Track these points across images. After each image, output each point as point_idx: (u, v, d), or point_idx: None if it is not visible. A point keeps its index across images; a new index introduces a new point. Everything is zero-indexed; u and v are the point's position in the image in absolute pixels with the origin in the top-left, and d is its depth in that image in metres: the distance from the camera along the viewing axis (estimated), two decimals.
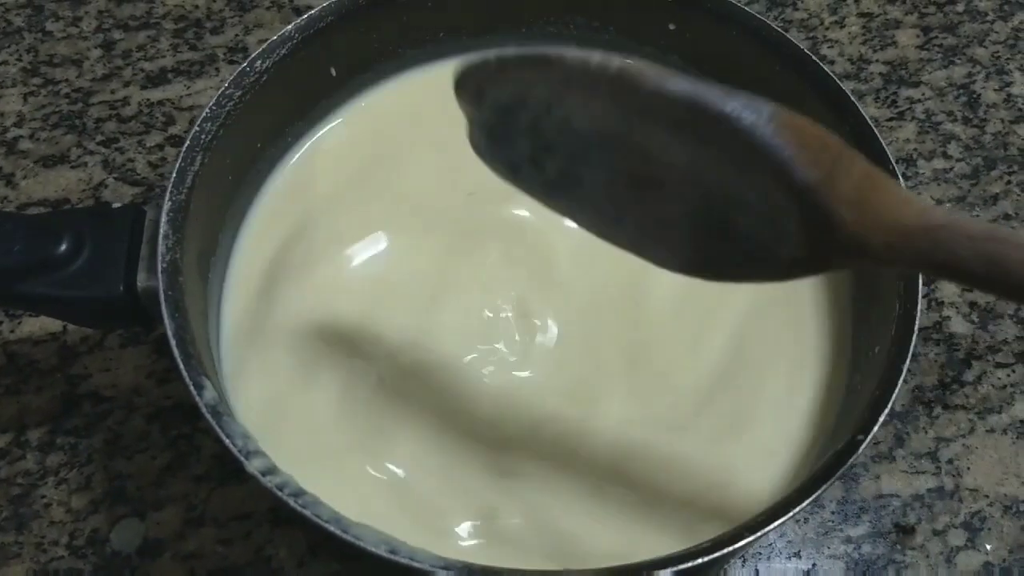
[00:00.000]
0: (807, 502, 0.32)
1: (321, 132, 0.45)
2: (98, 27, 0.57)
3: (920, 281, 0.36)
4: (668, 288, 0.41)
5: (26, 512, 0.41)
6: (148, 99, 0.54)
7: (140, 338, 0.46)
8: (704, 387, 0.39)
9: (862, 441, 0.33)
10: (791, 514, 0.31)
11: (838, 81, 0.41)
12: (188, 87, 0.54)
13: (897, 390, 0.33)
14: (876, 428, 0.33)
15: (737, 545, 0.31)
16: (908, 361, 0.34)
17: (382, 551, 0.29)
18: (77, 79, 0.55)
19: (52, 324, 0.46)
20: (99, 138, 0.52)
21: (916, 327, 0.35)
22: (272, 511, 0.41)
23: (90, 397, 0.44)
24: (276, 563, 0.40)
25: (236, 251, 0.41)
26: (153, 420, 0.43)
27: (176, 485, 0.42)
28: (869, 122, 0.40)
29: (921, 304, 0.35)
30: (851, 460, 0.32)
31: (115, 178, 0.51)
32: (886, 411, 0.33)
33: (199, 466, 0.42)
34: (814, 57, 0.42)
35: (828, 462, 0.33)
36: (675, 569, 0.30)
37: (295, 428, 0.38)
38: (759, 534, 0.31)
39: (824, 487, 0.32)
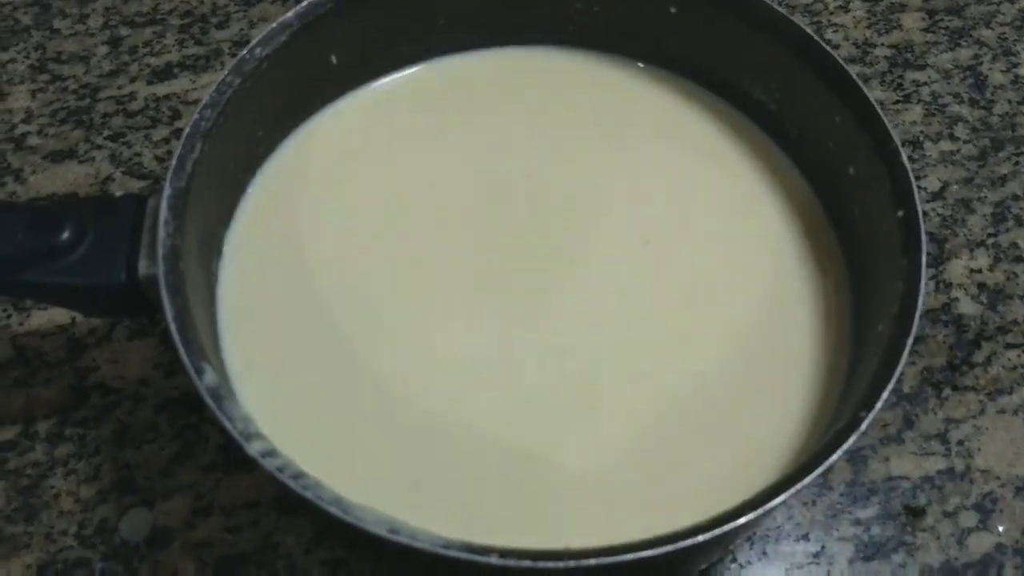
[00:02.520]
0: (810, 478, 0.31)
1: (322, 120, 0.45)
2: (105, 24, 0.57)
3: (924, 255, 0.35)
4: (667, 270, 0.41)
5: (35, 503, 0.41)
6: (154, 94, 0.54)
7: (147, 330, 0.46)
8: (700, 370, 0.39)
9: (865, 417, 0.32)
10: (793, 490, 0.31)
11: (842, 63, 0.41)
12: (194, 81, 0.55)
13: (902, 363, 0.33)
14: (880, 404, 0.32)
15: (739, 522, 0.30)
16: (912, 335, 0.34)
17: (383, 531, 0.29)
18: (84, 75, 0.55)
19: (60, 317, 0.46)
20: (106, 133, 0.53)
21: (920, 301, 0.35)
22: (278, 499, 0.41)
23: (98, 389, 0.44)
24: (283, 550, 0.40)
25: (237, 238, 0.41)
26: (161, 411, 0.44)
27: (184, 475, 0.42)
28: (874, 103, 0.39)
29: (928, 285, 0.35)
30: (854, 436, 0.32)
31: (122, 172, 0.51)
32: (890, 385, 0.32)
33: (206, 456, 0.42)
34: (817, 38, 0.41)
35: (831, 439, 0.32)
36: (677, 546, 0.30)
37: (302, 417, 0.38)
38: (761, 510, 0.30)
39: (827, 463, 0.31)
